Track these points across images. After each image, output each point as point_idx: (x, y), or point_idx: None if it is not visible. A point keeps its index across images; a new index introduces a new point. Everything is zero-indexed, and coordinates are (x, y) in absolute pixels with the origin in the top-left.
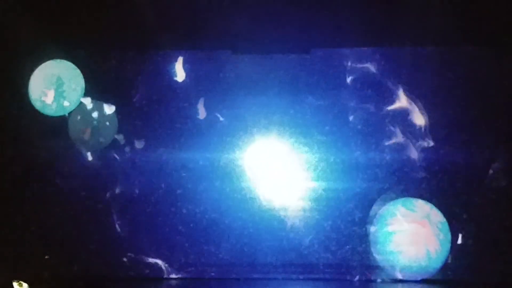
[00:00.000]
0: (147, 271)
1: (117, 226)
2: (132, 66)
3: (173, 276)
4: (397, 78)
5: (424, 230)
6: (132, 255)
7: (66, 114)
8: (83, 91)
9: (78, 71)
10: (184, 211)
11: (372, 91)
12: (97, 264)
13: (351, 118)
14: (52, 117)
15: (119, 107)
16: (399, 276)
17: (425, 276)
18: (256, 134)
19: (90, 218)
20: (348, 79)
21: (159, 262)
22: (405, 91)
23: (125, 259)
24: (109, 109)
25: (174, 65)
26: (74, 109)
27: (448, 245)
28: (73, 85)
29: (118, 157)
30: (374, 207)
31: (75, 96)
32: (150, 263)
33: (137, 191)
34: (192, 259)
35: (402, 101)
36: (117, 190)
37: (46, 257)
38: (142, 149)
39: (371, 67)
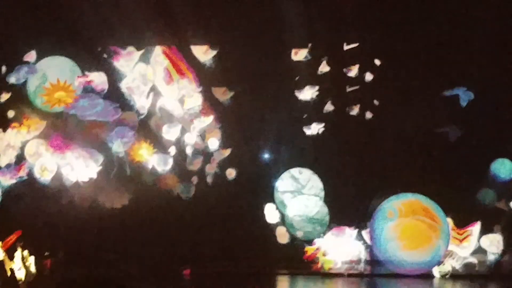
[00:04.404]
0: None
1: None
2: (128, 61)
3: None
4: (398, 80)
5: (424, 226)
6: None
7: (64, 110)
8: (80, 89)
9: (77, 68)
10: (184, 217)
11: (370, 92)
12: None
13: (351, 116)
14: (52, 115)
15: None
16: (401, 271)
17: (425, 271)
18: (252, 133)
19: (92, 226)
20: (347, 80)
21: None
22: (406, 94)
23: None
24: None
25: (168, 60)
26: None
27: (448, 240)
28: (69, 80)
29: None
30: (373, 203)
31: (72, 94)
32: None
33: (138, 201)
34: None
35: (403, 104)
36: (119, 202)
37: (46, 253)
38: (135, 155)
39: (370, 69)
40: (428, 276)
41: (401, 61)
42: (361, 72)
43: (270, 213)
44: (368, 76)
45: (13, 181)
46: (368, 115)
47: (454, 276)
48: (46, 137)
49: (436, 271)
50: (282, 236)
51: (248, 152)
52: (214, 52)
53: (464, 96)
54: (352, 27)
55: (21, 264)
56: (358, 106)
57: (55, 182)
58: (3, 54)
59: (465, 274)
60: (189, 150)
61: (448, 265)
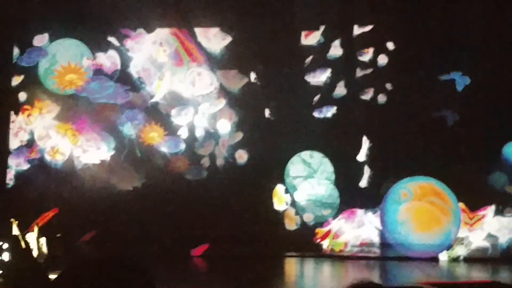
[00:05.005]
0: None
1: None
2: (138, 43)
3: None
4: (409, 70)
5: (436, 209)
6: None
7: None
8: (91, 73)
9: (88, 50)
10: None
11: (383, 76)
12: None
13: (363, 99)
14: (64, 98)
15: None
16: (412, 254)
17: (436, 254)
18: (263, 117)
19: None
20: (357, 65)
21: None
22: (419, 85)
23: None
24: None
25: (178, 42)
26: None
27: (459, 224)
28: (80, 63)
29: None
30: (385, 186)
31: (83, 77)
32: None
33: (149, 184)
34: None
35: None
36: (130, 184)
37: (58, 235)
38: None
39: (384, 53)
40: (439, 260)
41: (416, 44)
42: (375, 55)
43: (280, 197)
44: (382, 60)
45: (26, 163)
46: (381, 99)
47: (465, 259)
48: (58, 119)
49: (445, 255)
50: (292, 219)
51: (259, 136)
52: (224, 35)
53: (460, 80)
54: (366, 9)
55: (36, 244)
56: (372, 89)
57: (67, 164)
58: (15, 37)
59: (477, 257)
60: (200, 133)
61: (459, 249)
